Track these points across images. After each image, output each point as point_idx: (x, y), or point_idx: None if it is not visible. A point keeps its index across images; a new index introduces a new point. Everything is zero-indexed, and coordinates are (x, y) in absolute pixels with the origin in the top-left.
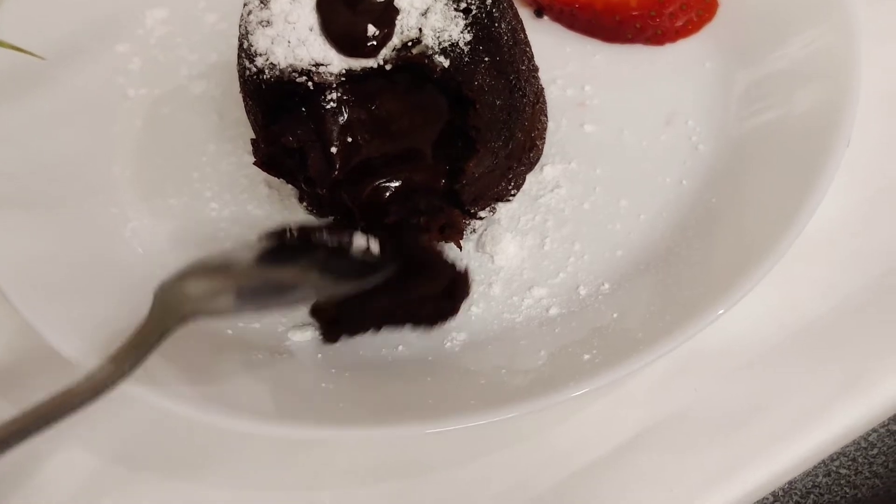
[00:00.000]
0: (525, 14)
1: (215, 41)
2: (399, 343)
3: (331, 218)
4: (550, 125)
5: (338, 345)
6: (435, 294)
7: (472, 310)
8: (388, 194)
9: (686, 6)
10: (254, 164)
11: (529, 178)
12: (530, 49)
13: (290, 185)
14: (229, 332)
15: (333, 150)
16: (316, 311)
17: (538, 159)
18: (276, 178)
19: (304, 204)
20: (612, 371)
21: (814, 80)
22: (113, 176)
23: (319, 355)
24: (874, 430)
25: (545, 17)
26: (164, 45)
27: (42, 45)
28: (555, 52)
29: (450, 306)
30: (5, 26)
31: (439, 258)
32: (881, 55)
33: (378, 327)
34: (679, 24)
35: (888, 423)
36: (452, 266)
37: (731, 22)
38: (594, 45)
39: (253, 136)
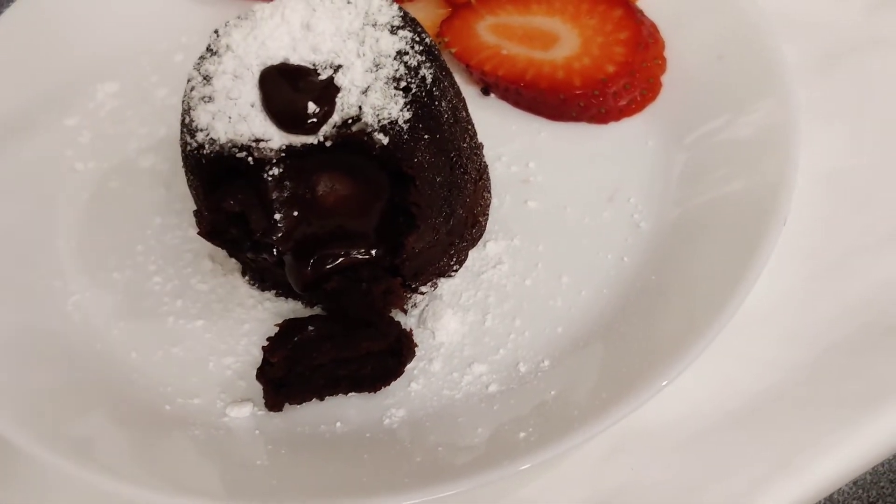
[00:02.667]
0: (471, 92)
1: (165, 115)
2: (338, 419)
3: (273, 292)
4: (494, 201)
5: (276, 420)
6: (380, 351)
7: (412, 385)
8: (329, 266)
9: (629, 86)
10: (197, 233)
11: (472, 253)
12: (473, 126)
13: (233, 260)
14: (168, 407)
15: (276, 216)
16: (263, 371)
17: (481, 235)
18: (219, 253)
19: (247, 278)
20: (546, 449)
21: (753, 161)
22: (56, 248)
23: (257, 431)
24: None
25: (491, 95)
26: (113, 118)
27: None
28: (500, 129)
29: (395, 364)
30: None
31: (385, 317)
32: (821, 136)
33: (322, 393)
34: (622, 103)
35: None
36: (398, 324)
37: (674, 102)
38: (539, 123)
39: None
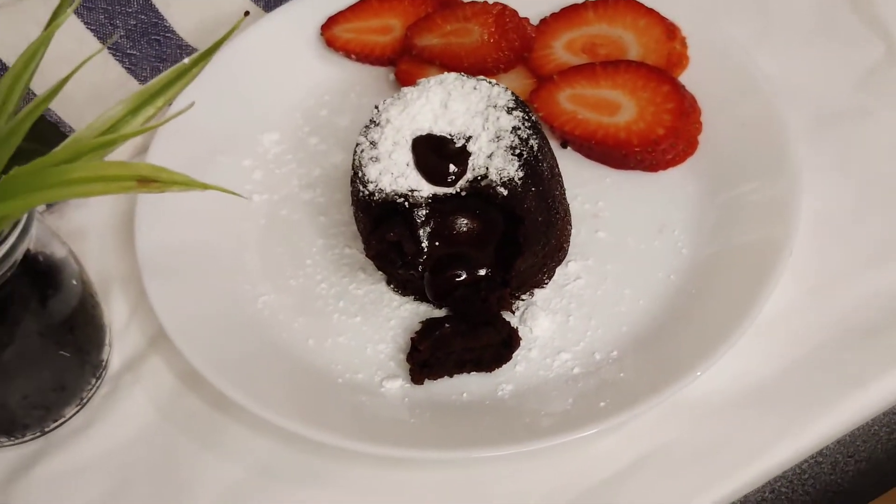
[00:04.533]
0: (554, 144)
1: (317, 158)
2: (463, 391)
3: (412, 297)
4: (573, 231)
5: (419, 391)
6: (495, 342)
7: (517, 368)
8: (457, 279)
9: (674, 144)
10: (366, 256)
11: (558, 271)
12: (561, 177)
13: (379, 272)
14: (339, 380)
15: (423, 244)
16: (412, 355)
17: (564, 257)
18: (370, 266)
19: (392, 286)
20: (621, 414)
21: (766, 208)
22: (245, 261)
23: (406, 399)
24: (805, 461)
25: (569, 148)
26: (278, 160)
27: (189, 163)
28: (576, 175)
29: (506, 352)
30: (161, 155)
31: (500, 317)
32: (815, 184)
33: (452, 372)
34: (669, 157)
35: (816, 456)
36: (508, 324)
37: (708, 157)
38: (606, 171)
39: (354, 235)
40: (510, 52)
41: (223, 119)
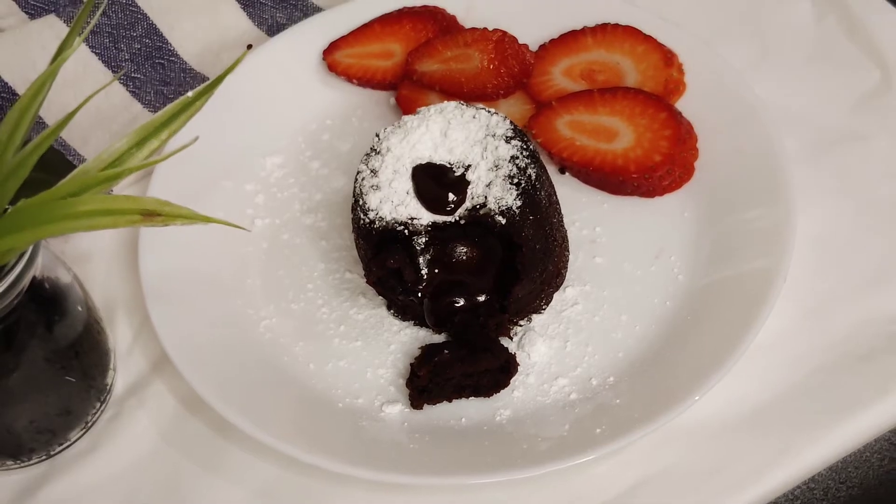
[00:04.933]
0: (552, 170)
1: (319, 183)
2: (462, 416)
3: (412, 322)
4: (571, 257)
5: (418, 416)
6: (493, 368)
7: (515, 393)
8: (456, 306)
9: (671, 170)
10: (366, 282)
11: (556, 296)
12: (559, 204)
13: (380, 297)
14: (339, 405)
15: (422, 271)
16: (411, 380)
17: (562, 283)
18: (370, 292)
19: (392, 311)
20: (617, 441)
21: (762, 234)
22: (247, 285)
23: (406, 423)
24: (797, 487)
25: (567, 174)
26: (280, 185)
27: (192, 188)
28: (574, 200)
29: (504, 377)
30: (162, 188)
31: (498, 344)
32: (810, 209)
33: (451, 398)
34: (665, 183)
35: (808, 483)
36: (506, 349)
37: (704, 183)
38: (603, 196)
39: (355, 260)
40: (510, 78)
41: (226, 144)
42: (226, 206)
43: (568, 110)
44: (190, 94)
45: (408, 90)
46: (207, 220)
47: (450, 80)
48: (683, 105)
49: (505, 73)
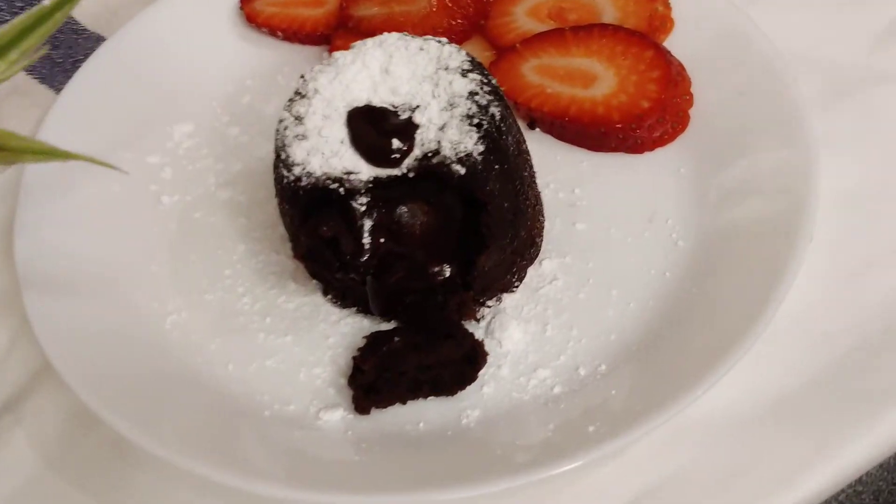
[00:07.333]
0: (520, 125)
1: (238, 152)
2: (420, 420)
3: (354, 309)
4: (546, 224)
5: (365, 422)
6: (456, 359)
7: (484, 389)
8: (408, 284)
9: (662, 119)
10: (293, 256)
11: (530, 271)
12: (530, 157)
13: (314, 281)
14: (266, 413)
15: (364, 240)
16: (354, 378)
17: (537, 254)
18: (301, 274)
19: (329, 297)
20: (616, 440)
21: (777, 187)
22: (152, 274)
23: (349, 432)
24: (842, 491)
25: (537, 129)
26: (191, 156)
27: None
28: (547, 159)
29: (470, 370)
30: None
31: (461, 329)
32: (830, 163)
33: (405, 398)
34: (656, 134)
35: (854, 485)
36: (472, 335)
37: (702, 134)
38: (581, 154)
39: (283, 238)
40: (463, 19)
41: (126, 108)
42: (123, 180)
43: (535, 53)
44: (46, 1)
45: (343, 41)
46: (67, 155)
47: (393, 25)
48: (671, 44)
49: (457, 13)
